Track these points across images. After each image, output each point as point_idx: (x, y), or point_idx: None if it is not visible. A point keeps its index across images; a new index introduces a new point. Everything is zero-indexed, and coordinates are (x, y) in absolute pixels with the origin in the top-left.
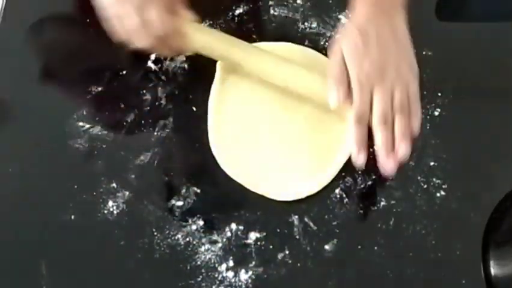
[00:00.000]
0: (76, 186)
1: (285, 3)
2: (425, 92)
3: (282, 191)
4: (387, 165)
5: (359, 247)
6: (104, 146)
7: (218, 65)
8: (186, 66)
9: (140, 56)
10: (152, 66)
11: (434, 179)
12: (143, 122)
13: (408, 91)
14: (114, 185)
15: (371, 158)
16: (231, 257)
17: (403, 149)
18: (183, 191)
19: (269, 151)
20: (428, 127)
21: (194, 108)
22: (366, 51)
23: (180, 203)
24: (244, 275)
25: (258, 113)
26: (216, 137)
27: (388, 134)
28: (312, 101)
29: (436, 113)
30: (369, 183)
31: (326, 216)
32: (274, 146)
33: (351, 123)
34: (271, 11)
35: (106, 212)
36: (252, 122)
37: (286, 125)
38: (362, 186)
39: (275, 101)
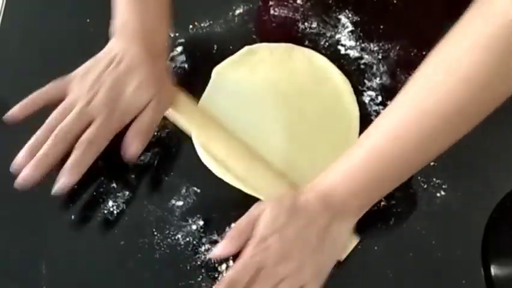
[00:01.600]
0: (76, 186)
1: (285, 3)
2: None
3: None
4: None
5: (359, 247)
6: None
7: (215, 69)
8: (186, 66)
9: None
10: None
11: (434, 179)
12: None
13: None
14: (114, 185)
15: None
16: (231, 257)
17: None
18: (183, 191)
19: (266, 155)
20: None
21: None
22: (281, 231)
23: (180, 203)
24: None
25: (252, 117)
26: (204, 144)
27: None
28: (313, 106)
29: None
30: None
31: None
32: (271, 150)
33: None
34: (271, 11)
35: (106, 212)
36: (244, 126)
37: (284, 129)
38: None
39: (272, 105)
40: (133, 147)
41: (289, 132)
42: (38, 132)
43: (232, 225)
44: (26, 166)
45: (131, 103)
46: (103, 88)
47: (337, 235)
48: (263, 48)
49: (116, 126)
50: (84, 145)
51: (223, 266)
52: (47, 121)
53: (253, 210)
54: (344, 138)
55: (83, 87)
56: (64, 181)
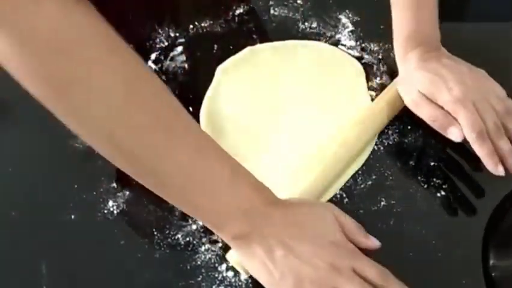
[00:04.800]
0: (76, 186)
1: (285, 3)
2: None
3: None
4: (500, 172)
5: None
6: None
7: (218, 69)
8: (186, 66)
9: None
10: (153, 66)
11: (434, 179)
12: None
13: (499, 95)
14: (114, 185)
15: (371, 158)
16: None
17: None
18: None
19: (267, 154)
20: (428, 127)
21: (194, 108)
22: (443, 80)
23: None
24: (244, 275)
25: (256, 115)
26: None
27: (507, 140)
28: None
29: None
30: (369, 183)
31: None
32: (272, 149)
33: (472, 141)
34: (272, 11)
35: (106, 212)
36: (249, 123)
37: (285, 128)
38: (362, 186)
39: (273, 105)
40: None
41: (299, 128)
42: None
43: None
44: None
45: None
46: None
47: (454, 57)
48: (266, 48)
49: None
50: None
51: (223, 266)
52: None
53: (416, 103)
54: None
55: None
56: None
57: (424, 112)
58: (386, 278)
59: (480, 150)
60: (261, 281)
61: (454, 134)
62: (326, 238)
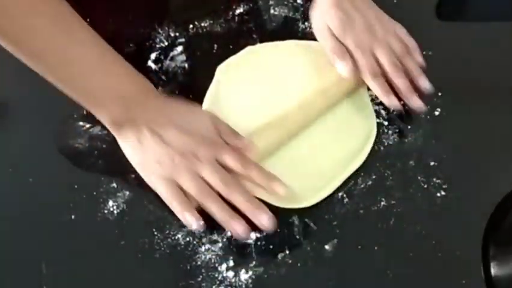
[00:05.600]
0: (76, 186)
1: (285, 2)
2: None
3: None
4: (416, 103)
5: (359, 247)
6: (104, 146)
7: (218, 69)
8: (186, 66)
9: (140, 55)
10: (153, 66)
11: (434, 179)
12: None
13: (400, 35)
14: (114, 185)
15: (371, 158)
16: (231, 257)
17: (424, 83)
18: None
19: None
20: (428, 127)
21: None
22: (351, 20)
23: None
24: (244, 275)
25: (256, 115)
26: None
27: (404, 78)
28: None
29: (436, 113)
30: (369, 183)
31: (326, 216)
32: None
33: (369, 82)
34: (272, 11)
35: (106, 212)
36: (248, 123)
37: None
38: (362, 186)
39: (273, 104)
40: None
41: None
42: None
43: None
44: None
45: None
46: None
47: None
48: (266, 48)
49: None
50: None
51: (223, 266)
52: None
53: (322, 32)
54: (362, 131)
55: None
56: None
57: (327, 43)
58: (247, 165)
59: (375, 89)
60: (131, 161)
61: (340, 69)
62: (195, 130)
